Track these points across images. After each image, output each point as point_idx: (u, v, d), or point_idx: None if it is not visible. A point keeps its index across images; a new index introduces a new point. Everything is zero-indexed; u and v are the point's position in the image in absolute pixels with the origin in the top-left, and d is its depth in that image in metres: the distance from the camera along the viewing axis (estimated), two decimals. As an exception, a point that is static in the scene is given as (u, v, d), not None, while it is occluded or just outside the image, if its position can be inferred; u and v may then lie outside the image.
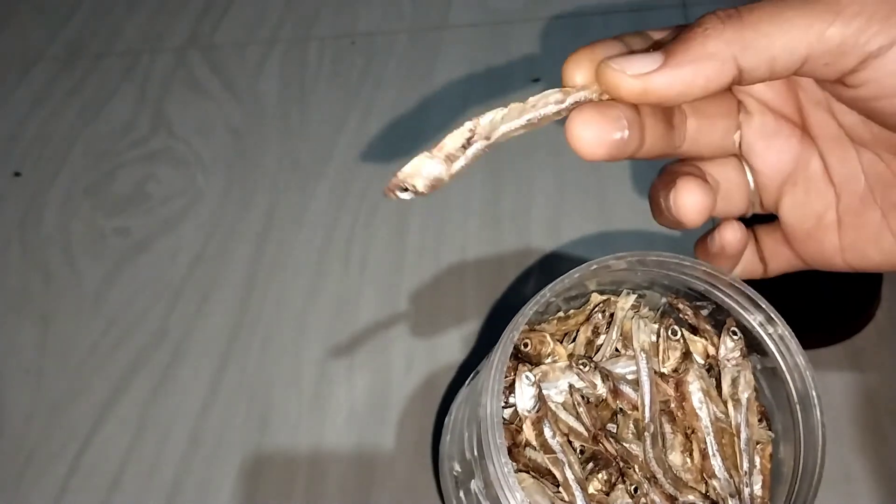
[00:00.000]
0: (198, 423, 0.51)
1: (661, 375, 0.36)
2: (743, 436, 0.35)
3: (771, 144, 0.31)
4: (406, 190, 0.27)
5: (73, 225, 0.63)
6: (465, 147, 0.26)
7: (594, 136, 0.26)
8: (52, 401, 0.53)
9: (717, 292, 0.36)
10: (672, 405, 0.36)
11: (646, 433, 0.35)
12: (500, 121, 0.26)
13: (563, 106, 0.27)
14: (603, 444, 0.35)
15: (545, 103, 0.27)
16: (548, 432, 0.34)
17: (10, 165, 0.68)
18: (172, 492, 0.48)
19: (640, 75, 0.25)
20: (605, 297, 0.39)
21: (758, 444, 0.36)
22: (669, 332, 0.37)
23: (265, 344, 0.54)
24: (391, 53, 0.72)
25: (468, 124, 0.26)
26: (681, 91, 0.25)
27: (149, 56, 0.76)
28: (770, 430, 0.37)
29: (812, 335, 0.46)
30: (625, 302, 0.38)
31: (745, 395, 0.36)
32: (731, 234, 0.32)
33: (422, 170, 0.26)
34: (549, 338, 0.37)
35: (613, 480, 0.35)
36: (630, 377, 0.37)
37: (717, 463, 0.35)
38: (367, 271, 0.57)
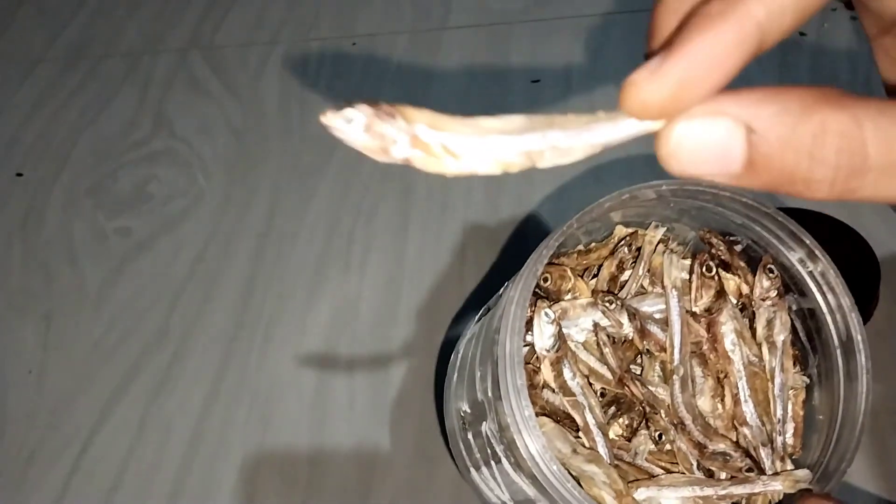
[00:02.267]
0: (199, 423, 0.51)
1: (693, 315, 0.33)
2: (777, 381, 0.33)
3: None
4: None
5: (74, 225, 0.63)
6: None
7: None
8: (54, 400, 0.53)
9: (755, 225, 0.32)
10: (704, 347, 0.33)
11: (674, 376, 0.32)
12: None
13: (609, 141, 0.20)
14: (629, 387, 0.33)
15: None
16: (567, 373, 0.32)
17: (12, 166, 0.69)
18: (173, 491, 0.48)
19: (644, 82, 0.18)
20: (631, 230, 0.35)
21: (791, 389, 0.33)
22: (704, 269, 0.33)
23: (266, 343, 0.54)
24: (391, 54, 0.72)
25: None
26: (705, 79, 0.18)
27: (150, 57, 0.76)
28: (805, 375, 0.34)
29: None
30: (653, 235, 0.35)
31: (780, 337, 0.33)
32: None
33: (348, 133, 0.19)
34: (569, 272, 0.34)
35: (636, 426, 0.33)
36: (658, 316, 0.34)
37: (748, 409, 0.32)
38: (367, 271, 0.57)
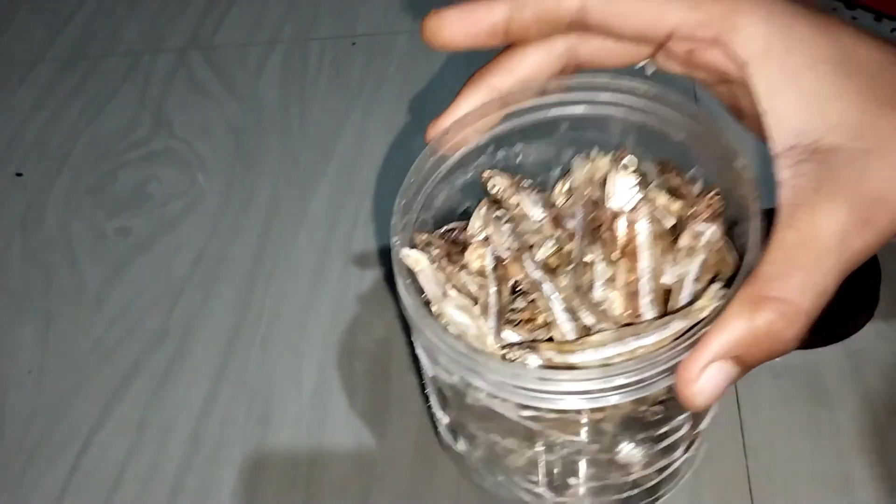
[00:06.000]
0: (198, 423, 0.51)
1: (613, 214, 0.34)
2: (684, 293, 0.32)
3: None
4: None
5: (74, 225, 0.63)
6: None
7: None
8: (54, 400, 0.53)
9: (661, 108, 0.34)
10: (608, 238, 0.34)
11: (572, 266, 0.34)
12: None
13: None
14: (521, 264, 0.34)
15: None
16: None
17: (11, 166, 0.69)
18: (173, 491, 0.48)
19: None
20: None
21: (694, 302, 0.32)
22: (619, 166, 0.34)
23: (266, 343, 0.54)
24: (392, 54, 0.72)
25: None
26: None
27: (150, 57, 0.76)
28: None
29: (811, 335, 0.46)
30: (602, 162, 0.37)
31: (705, 239, 0.33)
32: None
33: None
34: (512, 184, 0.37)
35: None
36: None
37: (645, 302, 0.33)
38: (366, 271, 0.57)
